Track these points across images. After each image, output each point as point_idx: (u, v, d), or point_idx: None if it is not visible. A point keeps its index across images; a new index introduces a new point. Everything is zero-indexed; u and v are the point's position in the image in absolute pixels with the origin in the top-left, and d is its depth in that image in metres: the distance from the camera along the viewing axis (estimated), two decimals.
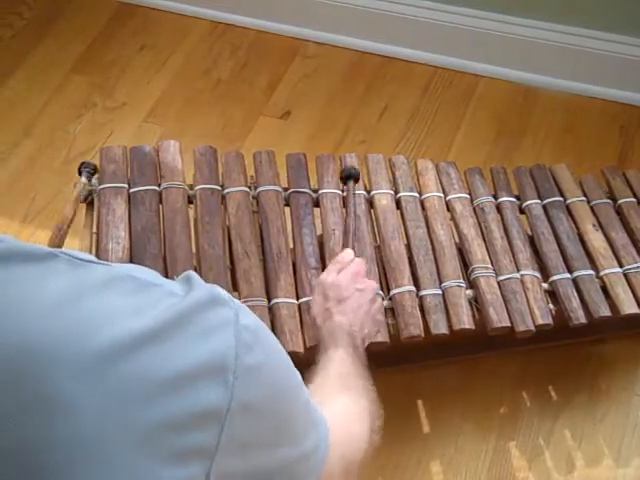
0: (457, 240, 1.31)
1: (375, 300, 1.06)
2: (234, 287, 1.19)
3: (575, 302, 1.24)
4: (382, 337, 1.16)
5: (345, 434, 0.75)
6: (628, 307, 1.25)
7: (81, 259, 0.50)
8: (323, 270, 1.17)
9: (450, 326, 1.19)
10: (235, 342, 0.50)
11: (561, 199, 1.39)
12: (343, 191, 1.32)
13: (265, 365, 0.53)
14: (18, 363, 0.44)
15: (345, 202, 1.28)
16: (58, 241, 1.15)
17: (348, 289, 1.02)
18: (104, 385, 0.45)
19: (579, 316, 1.23)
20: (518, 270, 1.27)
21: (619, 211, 1.39)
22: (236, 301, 0.54)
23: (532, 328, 1.21)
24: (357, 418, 0.82)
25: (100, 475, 0.44)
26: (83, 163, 1.25)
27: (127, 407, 0.45)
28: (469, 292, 1.24)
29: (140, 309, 0.48)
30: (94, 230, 1.22)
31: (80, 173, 1.24)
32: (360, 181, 1.34)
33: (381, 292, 1.21)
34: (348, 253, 1.10)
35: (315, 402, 0.66)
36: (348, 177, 1.29)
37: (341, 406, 0.82)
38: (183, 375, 0.47)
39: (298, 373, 0.62)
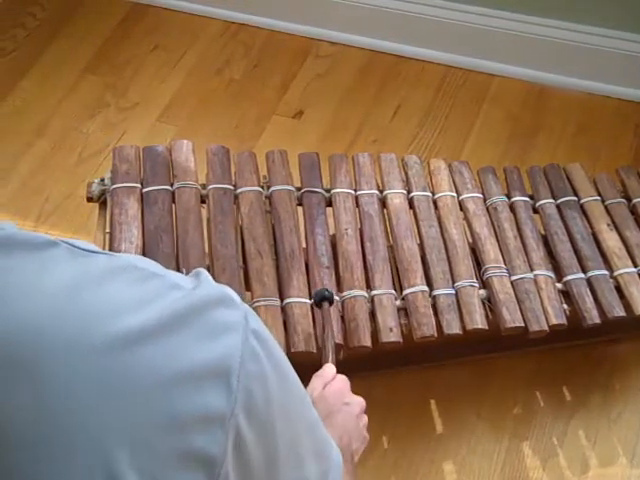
0: (470, 240, 1.31)
1: (361, 416, 1.03)
2: (247, 287, 1.19)
3: (589, 302, 1.24)
4: (395, 337, 1.16)
5: None
6: None
7: (82, 248, 0.49)
8: (336, 270, 1.17)
9: (463, 326, 1.19)
10: (242, 346, 0.48)
11: (575, 198, 1.38)
12: (355, 190, 1.32)
13: (269, 375, 0.51)
14: (16, 353, 0.43)
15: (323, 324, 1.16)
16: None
17: (336, 404, 0.99)
18: (106, 378, 0.43)
19: (593, 316, 1.22)
20: (532, 270, 1.27)
21: (634, 211, 1.38)
22: (246, 305, 0.52)
23: (546, 328, 1.20)
24: None
25: (96, 470, 0.43)
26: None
27: (128, 403, 0.44)
28: (482, 292, 1.23)
29: (143, 301, 0.46)
30: (107, 230, 1.22)
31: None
32: (373, 181, 1.34)
33: (393, 292, 1.20)
34: (330, 368, 1.06)
35: (325, 429, 0.63)
36: (322, 299, 1.15)
37: None
38: (187, 374, 0.46)
39: (306, 392, 0.60)
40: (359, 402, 1.03)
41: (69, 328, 0.44)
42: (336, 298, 1.18)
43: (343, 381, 1.04)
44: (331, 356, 1.10)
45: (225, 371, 0.47)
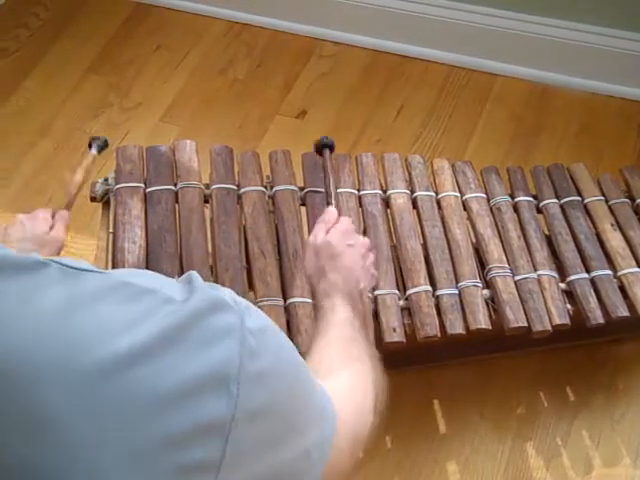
0: (473, 240, 1.31)
1: (367, 255, 1.04)
2: (250, 286, 1.19)
3: (593, 302, 1.23)
4: (398, 337, 1.16)
5: (352, 407, 0.73)
6: None
7: (73, 267, 0.48)
8: None
9: (466, 326, 1.19)
10: (239, 349, 0.48)
11: (579, 198, 1.38)
12: (359, 190, 1.32)
13: (271, 368, 0.51)
14: (8, 378, 0.42)
15: (324, 169, 1.24)
16: (68, 206, 1.18)
17: (339, 246, 0.99)
18: (99, 402, 0.43)
19: (597, 316, 1.22)
20: (535, 270, 1.26)
21: (637, 210, 1.38)
22: (241, 301, 0.51)
23: (549, 328, 1.20)
24: (362, 391, 0.80)
25: None
26: (93, 138, 1.25)
27: (125, 425, 0.43)
28: (486, 292, 1.23)
29: (135, 320, 0.45)
30: (110, 230, 1.23)
31: (90, 146, 1.24)
32: (376, 180, 1.34)
33: (397, 291, 1.20)
34: (332, 212, 1.07)
35: (318, 383, 0.64)
36: (324, 146, 1.24)
37: (345, 380, 0.80)
38: (183, 389, 0.45)
39: (304, 362, 0.60)
40: (363, 242, 1.04)
41: (60, 353, 0.43)
42: None
43: (346, 223, 1.05)
44: (334, 201, 1.13)
45: (224, 378, 0.47)
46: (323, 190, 1.31)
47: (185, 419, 0.45)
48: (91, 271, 0.48)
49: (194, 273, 0.51)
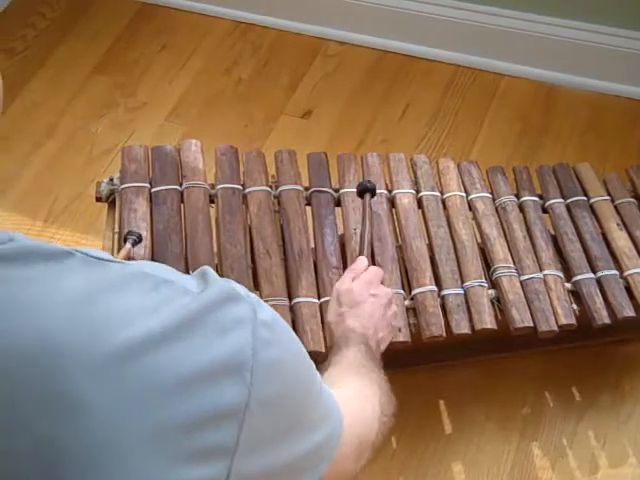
0: (479, 240, 1.31)
1: (390, 306, 1.06)
2: (255, 286, 1.19)
3: (599, 302, 1.23)
4: (404, 337, 1.16)
5: (357, 413, 0.75)
6: None
7: (96, 257, 0.50)
8: (344, 269, 1.17)
9: (472, 326, 1.19)
10: (252, 339, 0.49)
11: (585, 198, 1.38)
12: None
13: (282, 359, 0.53)
14: (34, 362, 0.44)
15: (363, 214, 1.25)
16: None
17: (361, 295, 1.03)
18: (120, 385, 0.44)
19: (603, 316, 1.22)
20: (541, 270, 1.26)
21: None
22: (253, 295, 0.53)
23: (555, 328, 1.20)
24: (368, 399, 0.82)
25: (117, 475, 0.44)
26: (129, 232, 1.18)
27: (143, 407, 0.45)
28: (491, 292, 1.23)
29: (155, 308, 0.47)
30: (116, 229, 1.23)
31: (125, 240, 1.18)
32: (381, 180, 1.34)
33: (402, 291, 1.20)
34: (362, 261, 1.11)
35: (326, 386, 0.65)
36: (364, 191, 1.24)
37: (352, 387, 0.82)
38: (200, 374, 0.47)
39: (312, 362, 0.61)
40: (386, 293, 1.07)
41: (83, 338, 0.45)
42: None
43: (373, 273, 1.08)
44: (366, 249, 1.15)
45: (238, 366, 0.48)
46: (328, 190, 1.31)
47: (201, 404, 0.46)
48: (113, 261, 0.50)
49: (207, 267, 0.53)
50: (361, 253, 1.14)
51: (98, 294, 0.47)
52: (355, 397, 0.78)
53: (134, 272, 0.50)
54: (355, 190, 1.27)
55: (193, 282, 0.52)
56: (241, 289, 0.53)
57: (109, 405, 0.44)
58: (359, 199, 1.26)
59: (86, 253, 0.50)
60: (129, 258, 1.19)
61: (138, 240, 1.18)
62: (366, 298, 1.02)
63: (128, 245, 1.19)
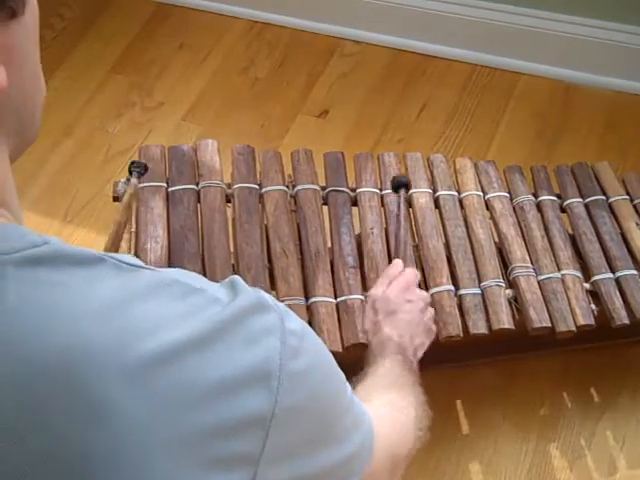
0: (496, 239, 1.30)
1: (426, 310, 1.05)
2: (272, 286, 1.19)
3: (618, 302, 1.22)
4: None
5: (392, 426, 0.75)
6: None
7: (128, 263, 0.50)
8: (361, 269, 1.17)
9: (489, 326, 1.18)
10: (280, 347, 0.50)
11: (603, 197, 1.37)
12: (381, 190, 1.32)
13: (310, 369, 0.53)
14: (65, 367, 0.44)
15: (390, 210, 1.28)
16: (114, 248, 1.15)
17: (397, 301, 1.02)
18: (148, 391, 0.45)
19: (622, 316, 1.21)
20: (559, 270, 1.25)
21: None
22: (281, 305, 0.53)
23: (573, 328, 1.19)
24: (402, 411, 0.82)
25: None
26: (133, 162, 1.21)
27: (171, 413, 0.45)
28: (509, 292, 1.22)
29: (185, 316, 0.48)
30: (133, 229, 1.23)
31: (130, 172, 1.20)
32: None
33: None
34: (397, 265, 1.10)
35: (358, 398, 0.65)
36: (399, 186, 1.27)
37: (388, 399, 0.82)
38: (227, 382, 0.47)
39: (341, 372, 0.61)
40: (423, 297, 1.07)
41: (113, 343, 0.45)
42: (361, 297, 1.18)
43: (408, 276, 1.07)
44: (402, 250, 1.14)
45: (265, 375, 0.48)
46: (345, 189, 1.31)
47: (228, 411, 0.46)
48: (144, 268, 0.51)
49: (237, 277, 0.54)
50: (397, 254, 1.13)
51: (129, 301, 0.47)
52: (390, 410, 0.78)
53: (165, 279, 0.50)
54: (390, 185, 1.29)
55: (223, 291, 0.52)
56: (269, 298, 0.53)
57: (137, 411, 0.44)
58: (375, 197, 1.26)
59: (118, 259, 0.50)
60: (136, 192, 1.19)
61: (144, 171, 1.18)
62: (402, 305, 1.02)
63: (134, 180, 1.18)
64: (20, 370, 0.44)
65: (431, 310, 1.07)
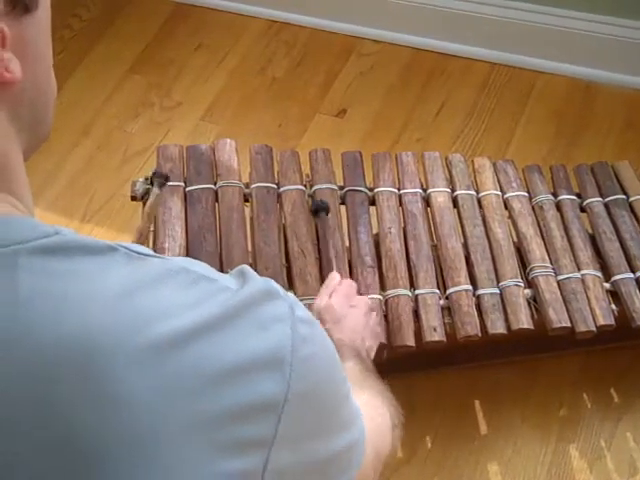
0: (515, 239, 1.29)
1: (369, 314, 1.08)
2: (290, 285, 1.19)
3: (638, 302, 1.22)
4: (439, 336, 1.15)
5: (372, 425, 0.75)
6: None
7: (138, 252, 0.51)
8: (379, 269, 1.17)
9: (508, 326, 1.18)
10: (292, 334, 0.50)
11: (624, 197, 1.36)
12: (399, 189, 1.31)
13: (319, 356, 0.54)
14: (77, 354, 0.44)
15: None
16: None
17: (342, 309, 1.03)
18: (160, 376, 0.45)
19: None
20: (579, 269, 1.25)
21: None
22: (290, 294, 0.54)
23: (593, 329, 1.18)
24: (378, 411, 0.83)
25: (155, 465, 0.44)
26: (155, 173, 1.19)
27: (183, 398, 0.45)
28: (528, 291, 1.22)
29: (194, 302, 0.48)
30: (151, 228, 1.23)
31: (152, 183, 1.19)
32: (416, 179, 1.33)
33: (437, 291, 1.20)
34: (334, 276, 1.11)
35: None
36: (317, 210, 1.25)
37: (363, 401, 0.82)
38: (240, 367, 0.47)
39: (341, 362, 0.62)
40: (365, 302, 1.09)
41: (125, 329, 0.45)
42: (379, 297, 1.17)
43: (347, 285, 1.10)
44: (334, 264, 1.17)
45: (278, 361, 0.49)
46: (363, 189, 1.31)
47: (241, 396, 0.47)
48: (154, 256, 0.51)
49: (246, 266, 0.54)
50: (331, 269, 1.15)
51: (139, 288, 0.48)
52: (367, 410, 0.78)
53: (174, 267, 0.51)
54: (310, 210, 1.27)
55: (232, 280, 0.52)
56: (279, 287, 0.53)
57: (148, 396, 0.44)
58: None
59: (128, 248, 0.51)
60: (145, 192, 1.19)
61: (165, 181, 1.18)
62: (346, 312, 1.03)
63: (156, 190, 1.18)
64: (33, 359, 0.44)
65: (373, 314, 1.09)
